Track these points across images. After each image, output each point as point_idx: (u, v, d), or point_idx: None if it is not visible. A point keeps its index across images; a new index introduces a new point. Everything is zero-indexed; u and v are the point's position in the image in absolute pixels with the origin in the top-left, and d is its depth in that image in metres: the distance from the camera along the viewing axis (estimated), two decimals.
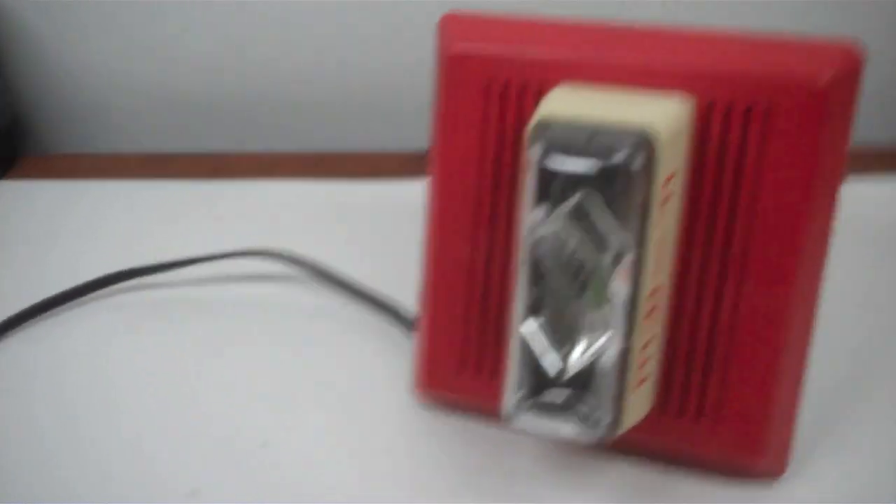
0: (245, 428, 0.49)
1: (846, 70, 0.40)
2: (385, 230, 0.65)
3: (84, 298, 0.60)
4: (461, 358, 0.48)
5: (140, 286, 0.61)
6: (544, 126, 0.39)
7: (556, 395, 0.41)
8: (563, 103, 0.41)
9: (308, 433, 0.49)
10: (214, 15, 0.80)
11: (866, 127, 0.74)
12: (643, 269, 0.40)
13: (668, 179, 0.40)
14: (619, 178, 0.38)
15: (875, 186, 0.68)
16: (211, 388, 0.52)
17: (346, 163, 0.76)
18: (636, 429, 0.43)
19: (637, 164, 0.38)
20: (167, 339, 0.56)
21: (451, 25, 0.46)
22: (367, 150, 0.78)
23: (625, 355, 0.40)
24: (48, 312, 0.58)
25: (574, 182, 0.38)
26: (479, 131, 0.45)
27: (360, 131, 0.82)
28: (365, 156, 0.77)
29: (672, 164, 0.40)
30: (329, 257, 0.61)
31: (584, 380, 0.40)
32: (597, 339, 0.40)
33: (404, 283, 0.54)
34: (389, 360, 0.54)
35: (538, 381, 0.41)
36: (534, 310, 0.41)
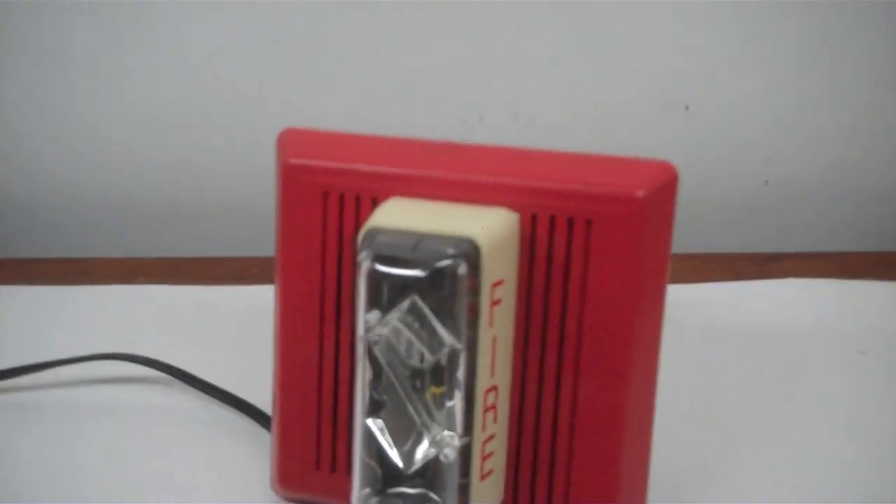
0: None
1: (662, 184, 0.44)
2: (246, 334, 0.65)
3: None
4: (315, 457, 0.49)
5: None
6: (373, 234, 0.41)
7: (403, 490, 0.42)
8: (392, 214, 0.43)
9: None
10: (78, 118, 0.81)
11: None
12: (477, 368, 0.42)
13: (496, 285, 0.42)
14: (444, 283, 0.40)
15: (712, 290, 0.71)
16: (69, 491, 0.51)
17: (207, 267, 0.77)
18: None
19: (461, 269, 0.40)
20: (21, 443, 0.55)
21: (289, 139, 0.48)
22: (229, 255, 0.79)
23: (465, 450, 0.42)
24: None
25: (403, 287, 0.40)
26: (319, 237, 0.47)
27: (221, 237, 0.83)
28: (227, 260, 0.78)
29: (499, 271, 0.42)
30: (190, 360, 0.61)
31: (428, 474, 0.42)
32: (437, 435, 0.42)
33: (265, 383, 0.54)
34: (252, 459, 0.54)
35: (384, 476, 0.42)
36: (375, 407, 0.42)
